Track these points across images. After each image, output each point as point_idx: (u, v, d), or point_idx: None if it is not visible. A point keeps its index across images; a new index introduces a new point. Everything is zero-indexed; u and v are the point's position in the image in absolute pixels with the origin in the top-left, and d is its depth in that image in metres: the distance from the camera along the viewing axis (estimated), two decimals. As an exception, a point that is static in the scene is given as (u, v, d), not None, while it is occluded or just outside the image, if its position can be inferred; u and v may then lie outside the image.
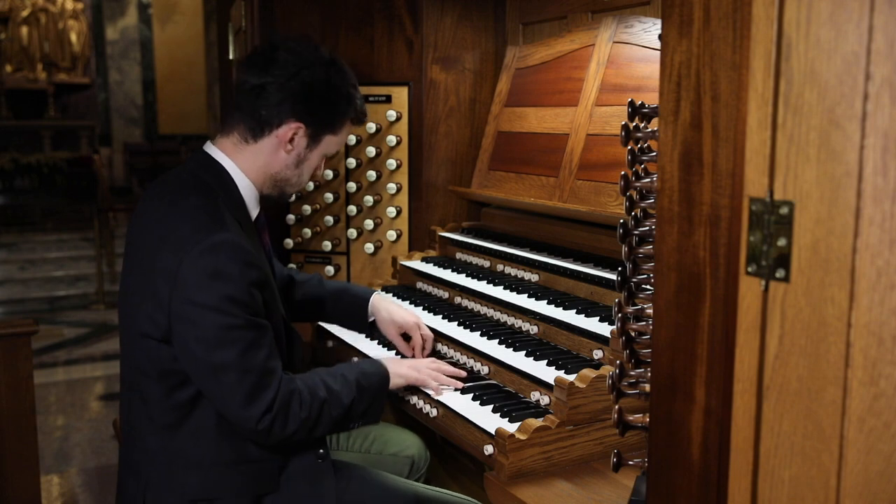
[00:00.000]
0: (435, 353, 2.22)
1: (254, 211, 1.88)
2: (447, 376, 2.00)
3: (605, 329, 1.88)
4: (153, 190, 1.86)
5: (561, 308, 2.06)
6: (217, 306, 1.62)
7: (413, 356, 2.19)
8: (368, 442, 2.21)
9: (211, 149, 1.86)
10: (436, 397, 1.93)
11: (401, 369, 1.95)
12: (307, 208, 2.85)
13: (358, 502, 1.85)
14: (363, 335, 2.41)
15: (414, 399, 1.99)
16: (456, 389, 1.97)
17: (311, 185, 2.78)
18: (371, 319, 2.28)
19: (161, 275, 1.66)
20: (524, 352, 1.97)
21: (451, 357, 2.17)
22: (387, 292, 2.61)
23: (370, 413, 1.87)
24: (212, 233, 1.65)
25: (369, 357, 2.25)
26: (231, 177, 1.83)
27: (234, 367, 1.64)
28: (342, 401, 1.79)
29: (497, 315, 2.23)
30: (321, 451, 1.85)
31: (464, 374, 2.03)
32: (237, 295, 1.64)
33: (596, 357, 1.89)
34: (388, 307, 2.25)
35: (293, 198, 2.78)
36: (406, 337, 2.23)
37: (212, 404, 1.71)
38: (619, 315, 1.42)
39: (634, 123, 1.40)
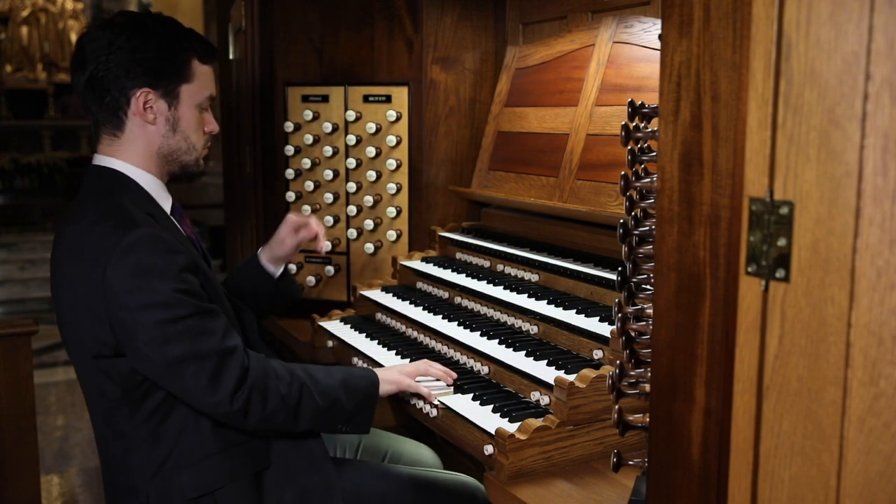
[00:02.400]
0: (435, 353, 2.22)
1: (165, 202, 1.83)
2: (438, 373, 1.99)
3: (605, 329, 1.88)
4: (66, 217, 1.81)
5: (561, 308, 2.06)
6: (153, 303, 1.59)
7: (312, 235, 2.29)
8: (380, 454, 2.19)
9: (98, 159, 1.82)
10: (431, 401, 1.93)
11: (391, 376, 1.93)
12: (307, 208, 2.85)
13: (358, 486, 1.85)
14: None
15: (414, 399, 1.99)
16: (449, 385, 1.97)
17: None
18: (279, 272, 2.32)
19: (90, 289, 1.63)
20: (524, 352, 1.97)
21: (452, 357, 2.17)
22: (387, 292, 2.61)
23: (359, 418, 1.83)
24: (124, 233, 1.61)
25: (369, 356, 2.26)
26: (127, 175, 1.78)
27: (190, 359, 1.61)
28: (326, 390, 1.76)
29: (497, 315, 2.23)
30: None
31: (454, 375, 2.00)
32: (172, 285, 1.61)
33: (596, 357, 1.89)
34: (270, 246, 2.29)
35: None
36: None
37: (182, 402, 1.70)
38: (619, 315, 1.42)
39: (634, 123, 1.40)
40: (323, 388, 1.76)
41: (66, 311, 1.72)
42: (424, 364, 2.00)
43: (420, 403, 1.97)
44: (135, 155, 1.80)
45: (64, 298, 1.72)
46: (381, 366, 2.18)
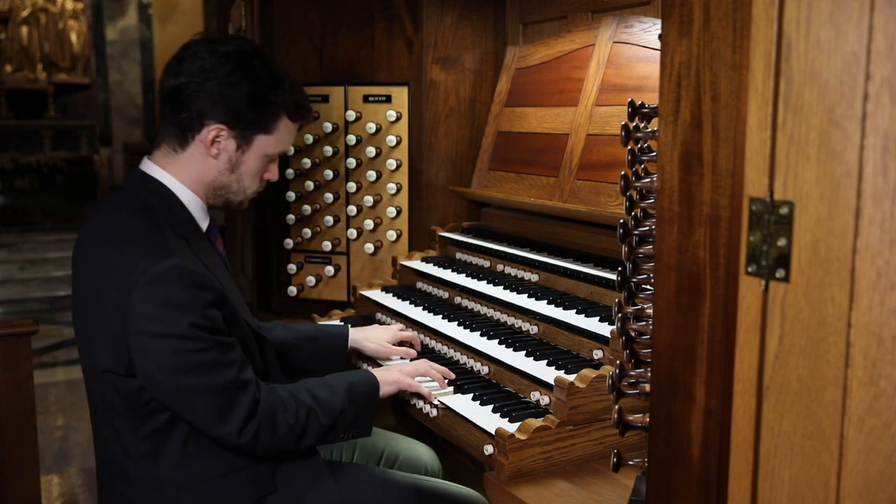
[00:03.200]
0: (435, 353, 2.22)
1: (203, 222, 1.82)
2: (437, 375, 1.99)
3: (605, 329, 1.88)
4: (94, 217, 1.79)
5: (561, 308, 2.06)
6: (173, 334, 1.58)
7: (414, 355, 2.20)
8: (377, 454, 2.18)
9: (147, 165, 1.79)
10: (431, 401, 1.93)
11: (391, 376, 1.92)
12: (307, 208, 2.85)
13: (359, 497, 1.84)
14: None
15: (414, 399, 1.99)
16: (450, 384, 1.97)
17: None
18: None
19: (111, 309, 1.62)
20: (524, 352, 1.97)
21: (452, 357, 2.17)
22: (387, 292, 2.61)
23: (360, 424, 1.83)
24: (156, 261, 1.59)
25: (369, 357, 2.26)
26: (171, 191, 1.76)
27: (203, 391, 1.61)
28: (330, 409, 1.76)
29: (497, 315, 2.23)
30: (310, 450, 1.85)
31: (452, 375, 2.01)
32: (193, 320, 1.59)
33: (596, 357, 1.89)
34: (367, 335, 2.22)
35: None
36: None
37: (187, 425, 1.69)
38: (619, 315, 1.42)
39: (634, 123, 1.40)
40: (327, 407, 1.77)
41: (84, 322, 1.72)
42: (424, 364, 2.00)
43: (420, 403, 1.96)
44: (187, 175, 1.78)
45: (83, 309, 1.72)
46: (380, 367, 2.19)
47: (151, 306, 1.58)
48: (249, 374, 1.69)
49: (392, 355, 2.20)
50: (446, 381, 1.99)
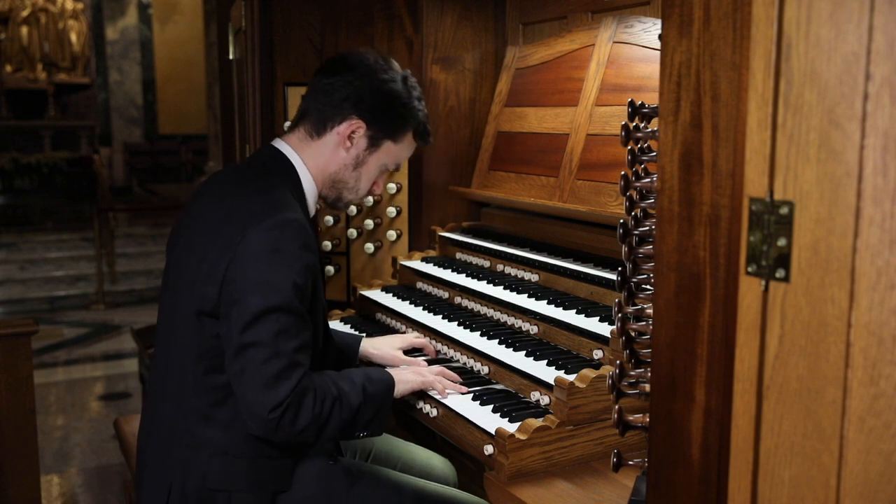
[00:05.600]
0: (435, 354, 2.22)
1: (312, 209, 1.94)
2: (451, 382, 1.97)
3: (605, 329, 1.88)
4: (218, 177, 1.92)
5: (561, 308, 2.06)
6: (267, 281, 1.64)
7: (421, 363, 2.17)
8: (392, 462, 2.16)
9: (279, 143, 1.92)
10: (439, 398, 1.92)
11: (405, 375, 1.93)
12: (307, 208, 2.85)
13: (365, 497, 1.84)
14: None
15: (414, 399, 1.99)
16: (463, 394, 1.95)
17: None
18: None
19: (221, 248, 1.69)
20: (524, 352, 1.97)
21: (452, 357, 2.17)
22: (387, 292, 2.61)
23: (375, 423, 1.84)
24: (279, 211, 1.70)
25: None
26: (297, 171, 1.89)
27: (266, 346, 1.64)
28: (351, 403, 1.77)
29: (497, 315, 2.23)
30: (334, 453, 1.85)
31: (464, 389, 1.97)
32: (289, 275, 1.66)
33: (596, 357, 1.89)
34: (377, 345, 2.20)
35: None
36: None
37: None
38: (619, 315, 1.42)
39: (634, 123, 1.40)
40: (349, 400, 1.77)
41: (187, 261, 1.77)
42: (438, 368, 2.00)
43: (420, 403, 1.96)
44: (315, 162, 1.91)
45: (190, 249, 1.78)
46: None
47: (261, 250, 1.66)
48: (306, 359, 1.71)
49: (399, 363, 2.16)
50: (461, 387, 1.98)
